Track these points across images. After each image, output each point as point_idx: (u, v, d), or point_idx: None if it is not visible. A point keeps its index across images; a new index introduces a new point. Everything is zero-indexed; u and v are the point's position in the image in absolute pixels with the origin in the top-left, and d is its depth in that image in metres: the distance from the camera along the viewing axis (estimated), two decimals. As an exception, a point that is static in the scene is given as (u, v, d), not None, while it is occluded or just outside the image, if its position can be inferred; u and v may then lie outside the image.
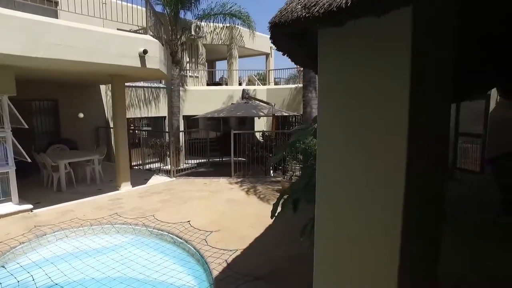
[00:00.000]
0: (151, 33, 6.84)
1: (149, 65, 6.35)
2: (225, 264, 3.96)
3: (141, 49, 6.10)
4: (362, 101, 1.51)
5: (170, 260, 4.38)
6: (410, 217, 1.41)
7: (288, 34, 1.69)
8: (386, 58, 1.40)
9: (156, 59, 6.49)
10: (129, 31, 7.01)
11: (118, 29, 6.82)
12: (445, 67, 1.54)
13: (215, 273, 3.78)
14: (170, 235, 4.98)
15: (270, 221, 4.96)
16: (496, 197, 4.93)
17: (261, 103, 10.03)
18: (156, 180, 8.59)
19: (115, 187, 7.52)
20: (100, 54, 5.51)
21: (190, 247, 4.59)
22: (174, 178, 8.76)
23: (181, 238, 4.83)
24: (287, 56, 2.21)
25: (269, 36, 1.76)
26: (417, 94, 1.35)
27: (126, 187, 7.53)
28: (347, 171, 1.60)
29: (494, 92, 7.46)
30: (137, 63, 6.16)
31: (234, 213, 5.86)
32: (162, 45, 7.93)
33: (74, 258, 4.29)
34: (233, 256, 4.19)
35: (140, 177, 8.77)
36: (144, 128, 13.19)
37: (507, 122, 6.97)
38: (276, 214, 2.79)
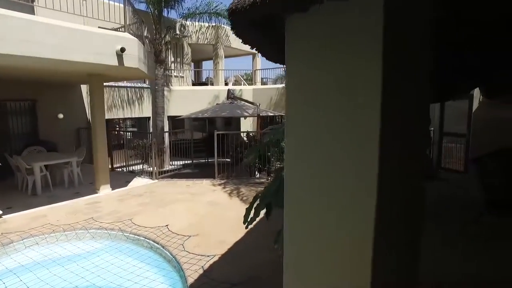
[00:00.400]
0: (130, 31, 6.60)
1: (127, 63, 6.12)
2: (201, 271, 3.78)
3: (118, 47, 5.87)
4: (331, 95, 1.36)
5: (145, 267, 4.17)
6: (384, 217, 1.27)
7: (249, 22, 1.53)
8: (357, 47, 1.25)
9: (135, 57, 6.26)
10: (111, 29, 6.78)
11: (99, 27, 6.61)
12: (424, 57, 1.40)
13: (191, 280, 3.60)
14: (147, 240, 4.77)
15: (251, 224, 4.80)
16: (480, 197, 4.88)
17: (246, 103, 9.87)
18: (138, 182, 8.34)
19: (94, 190, 7.25)
20: (73, 52, 5.26)
21: (167, 253, 4.39)
22: (157, 180, 8.52)
23: (157, 243, 4.63)
24: (256, 50, 2.06)
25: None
26: (391, 85, 1.20)
27: (105, 190, 7.27)
28: (315, 169, 1.45)
29: (477, 92, 7.46)
30: (114, 62, 5.91)
31: (214, 216, 5.68)
32: (143, 43, 7.71)
33: (41, 267, 4.04)
34: (211, 262, 4.01)
35: (121, 179, 8.50)
36: (128, 129, 12.89)
37: (490, 121, 6.97)
38: (249, 220, 2.63)
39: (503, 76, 5.61)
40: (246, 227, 2.61)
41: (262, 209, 2.38)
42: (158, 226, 5.19)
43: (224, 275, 3.68)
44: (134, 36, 6.67)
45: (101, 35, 5.72)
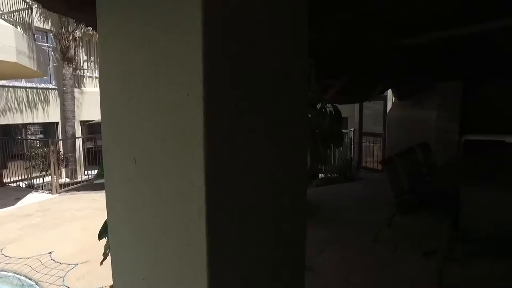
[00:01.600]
0: (4, 17, 5.47)
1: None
2: (77, 312, 3.03)
3: (-16, 35, 4.76)
4: (149, 83, 0.87)
5: (6, 313, 3.26)
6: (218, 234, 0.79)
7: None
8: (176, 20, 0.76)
9: (11, 49, 5.15)
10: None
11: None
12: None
13: (59, 327, 2.83)
14: (17, 276, 3.81)
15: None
16: (392, 197, 4.86)
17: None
18: (32, 199, 7.04)
19: (-34, 213, 5.88)
20: None
21: (41, 290, 3.53)
22: (57, 195, 7.32)
23: (30, 279, 3.71)
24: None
25: None
26: (217, 80, 0.73)
27: (-19, 212, 5.94)
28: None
29: (390, 94, 7.78)
30: (-20, 53, 4.79)
31: (114, 236, 4.87)
32: (33, 34, 6.55)
33: None
34: (93, 298, 3.27)
35: (11, 196, 7.12)
36: (30, 137, 11.13)
37: (401, 122, 7.28)
38: (107, 252, 2.01)
39: (411, 79, 5.81)
40: (101, 263, 1.98)
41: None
42: (39, 255, 4.24)
43: (105, 314, 2.99)
44: (20, 26, 5.56)
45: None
